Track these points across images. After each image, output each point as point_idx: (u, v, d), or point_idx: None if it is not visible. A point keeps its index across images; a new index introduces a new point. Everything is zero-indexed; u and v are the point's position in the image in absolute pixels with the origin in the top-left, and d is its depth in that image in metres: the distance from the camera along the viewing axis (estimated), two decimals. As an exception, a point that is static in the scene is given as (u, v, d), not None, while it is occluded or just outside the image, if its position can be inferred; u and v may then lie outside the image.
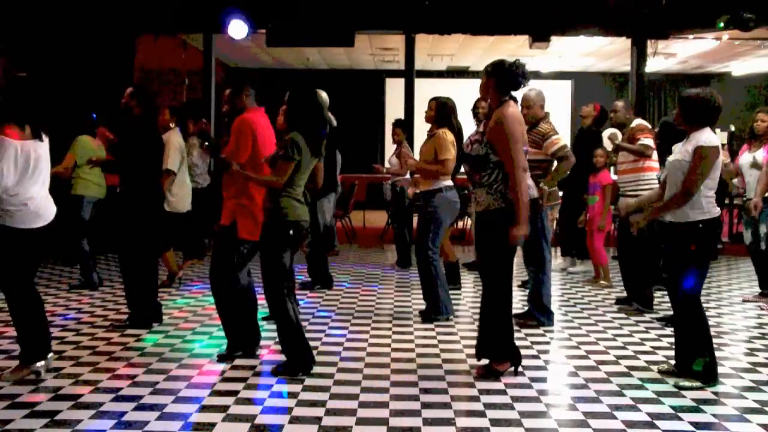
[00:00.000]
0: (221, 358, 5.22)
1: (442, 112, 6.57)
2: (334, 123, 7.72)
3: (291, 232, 4.78)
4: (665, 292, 6.19)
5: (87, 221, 7.80)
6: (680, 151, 4.79)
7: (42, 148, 4.76)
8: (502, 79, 4.82)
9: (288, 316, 4.79)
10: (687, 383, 4.69)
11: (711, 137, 4.72)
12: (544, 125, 6.46)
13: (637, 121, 7.18)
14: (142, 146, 6.27)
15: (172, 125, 7.64)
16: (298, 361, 4.84)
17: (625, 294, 7.24)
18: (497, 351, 4.91)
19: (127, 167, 6.29)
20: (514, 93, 4.93)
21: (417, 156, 7.26)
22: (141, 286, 6.14)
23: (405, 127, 9.55)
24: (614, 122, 7.44)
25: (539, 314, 6.31)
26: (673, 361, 5.08)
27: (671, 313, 5.68)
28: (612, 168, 7.98)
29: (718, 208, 4.81)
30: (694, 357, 4.74)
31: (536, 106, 6.46)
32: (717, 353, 5.53)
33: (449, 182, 6.51)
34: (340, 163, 10.58)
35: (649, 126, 7.24)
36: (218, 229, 5.36)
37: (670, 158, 4.85)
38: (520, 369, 5.03)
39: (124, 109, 6.34)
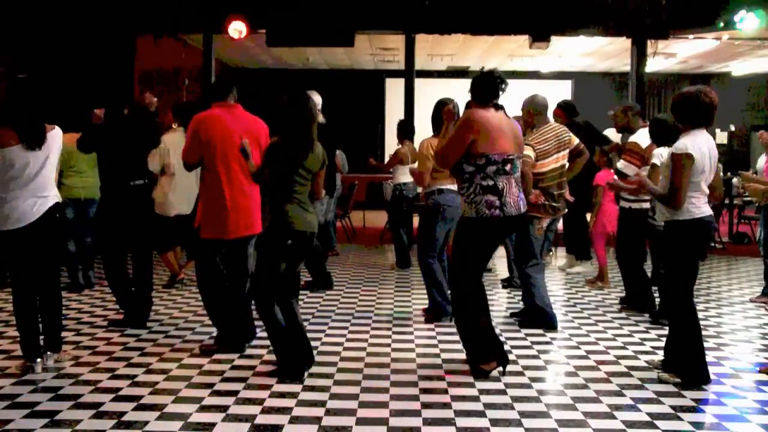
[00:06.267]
0: (204, 349, 5.38)
1: (436, 113, 6.39)
2: (322, 120, 7.69)
3: (289, 242, 4.73)
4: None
5: (70, 222, 7.73)
6: (666, 155, 4.87)
7: (32, 153, 4.78)
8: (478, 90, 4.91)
9: (273, 323, 4.75)
10: (667, 376, 4.77)
11: (685, 143, 4.65)
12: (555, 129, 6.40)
13: (633, 139, 6.78)
14: (119, 150, 6.26)
15: (174, 125, 7.61)
16: (288, 366, 4.77)
17: (624, 294, 7.24)
18: (479, 351, 4.91)
19: (107, 171, 6.34)
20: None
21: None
22: (130, 286, 6.19)
23: (405, 130, 9.52)
24: (615, 126, 7.38)
25: (539, 317, 6.32)
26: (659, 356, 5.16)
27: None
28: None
29: (704, 210, 4.74)
30: (690, 357, 4.74)
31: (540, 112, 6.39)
32: (717, 353, 5.56)
33: (447, 185, 6.41)
34: (345, 164, 10.58)
35: (641, 147, 6.59)
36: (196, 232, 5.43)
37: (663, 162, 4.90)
38: (519, 369, 5.04)
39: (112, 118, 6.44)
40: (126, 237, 6.17)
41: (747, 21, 10.63)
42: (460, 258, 4.93)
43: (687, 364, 4.74)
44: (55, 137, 4.94)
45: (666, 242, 4.80)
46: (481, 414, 4.21)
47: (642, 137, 6.64)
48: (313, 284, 7.83)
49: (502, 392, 4.58)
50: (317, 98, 7.23)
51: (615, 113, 7.29)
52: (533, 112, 6.33)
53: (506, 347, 5.62)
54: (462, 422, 4.06)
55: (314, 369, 4.93)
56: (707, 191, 4.79)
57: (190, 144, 5.30)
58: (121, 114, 6.46)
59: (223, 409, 4.22)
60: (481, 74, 4.91)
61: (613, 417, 4.19)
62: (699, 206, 4.73)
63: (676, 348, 4.82)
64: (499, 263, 9.34)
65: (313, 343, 5.64)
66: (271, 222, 4.77)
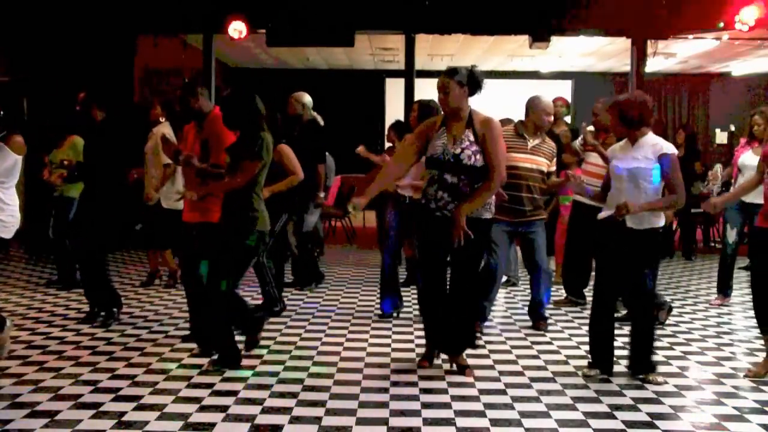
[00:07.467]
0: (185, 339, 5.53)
1: (424, 114, 6.35)
2: (321, 122, 7.80)
3: (268, 240, 4.99)
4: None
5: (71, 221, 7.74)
6: (635, 158, 4.77)
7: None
8: (474, 86, 4.89)
9: (225, 314, 4.93)
10: (653, 377, 4.82)
11: (668, 142, 4.84)
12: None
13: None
14: (105, 149, 6.30)
15: (161, 119, 7.55)
16: (229, 355, 4.96)
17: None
18: (465, 343, 4.99)
19: (95, 170, 6.36)
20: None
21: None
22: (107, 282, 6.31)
23: (399, 129, 9.48)
24: (596, 125, 7.17)
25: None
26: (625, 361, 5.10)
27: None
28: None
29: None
30: (652, 350, 4.92)
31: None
32: (717, 353, 5.57)
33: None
34: (333, 167, 10.57)
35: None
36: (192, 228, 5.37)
37: (622, 165, 4.81)
38: (519, 369, 5.06)
39: (82, 113, 6.44)
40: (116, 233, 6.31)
41: (744, 16, 10.62)
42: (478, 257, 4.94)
43: (650, 353, 4.89)
44: None
45: (647, 248, 4.84)
46: (481, 414, 4.21)
47: None
48: (307, 282, 7.87)
49: (502, 392, 4.59)
50: (307, 98, 7.59)
51: (599, 112, 7.00)
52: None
53: (506, 347, 5.64)
54: (462, 422, 4.06)
55: (314, 369, 4.94)
56: None
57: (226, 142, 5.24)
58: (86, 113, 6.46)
59: (223, 409, 4.22)
60: (477, 71, 4.89)
61: (613, 417, 4.19)
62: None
63: (641, 343, 4.90)
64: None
65: (313, 343, 5.66)
66: (250, 220, 4.85)
